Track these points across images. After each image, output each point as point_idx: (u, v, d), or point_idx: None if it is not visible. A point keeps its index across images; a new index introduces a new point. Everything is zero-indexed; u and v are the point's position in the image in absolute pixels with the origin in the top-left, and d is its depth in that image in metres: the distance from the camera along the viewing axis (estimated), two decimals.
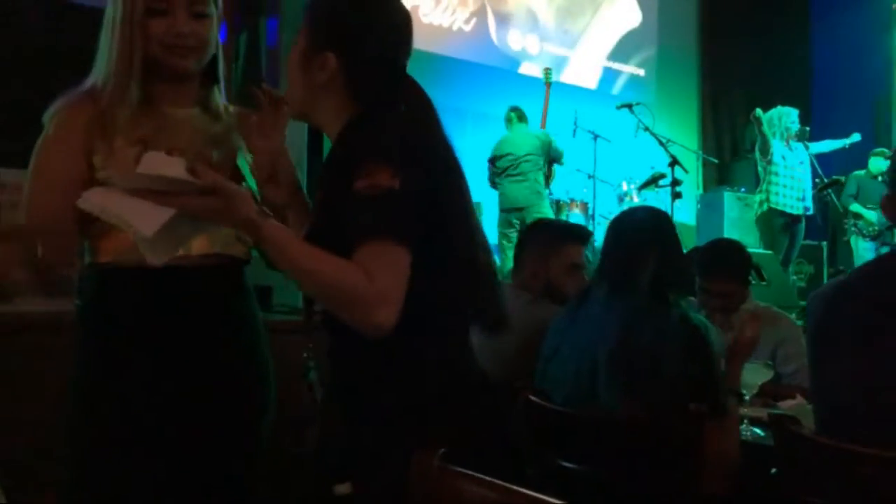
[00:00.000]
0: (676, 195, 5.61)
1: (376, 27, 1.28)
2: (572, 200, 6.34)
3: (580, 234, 2.55)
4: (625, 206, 6.46)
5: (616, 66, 7.72)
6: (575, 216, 6.26)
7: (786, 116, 5.93)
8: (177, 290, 1.46)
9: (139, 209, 1.10)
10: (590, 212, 6.29)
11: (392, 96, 1.27)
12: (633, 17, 7.83)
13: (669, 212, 5.93)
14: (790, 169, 5.84)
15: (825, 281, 6.52)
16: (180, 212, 1.10)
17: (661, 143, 5.97)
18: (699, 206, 7.24)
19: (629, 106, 6.19)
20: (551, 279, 2.36)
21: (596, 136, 6.34)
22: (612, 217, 6.23)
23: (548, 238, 2.45)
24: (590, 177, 6.32)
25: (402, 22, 1.31)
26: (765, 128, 5.77)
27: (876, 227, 6.41)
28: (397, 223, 1.14)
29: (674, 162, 5.70)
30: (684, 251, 2.10)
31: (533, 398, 1.75)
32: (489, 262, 1.32)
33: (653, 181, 6.29)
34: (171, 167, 1.12)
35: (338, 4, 1.30)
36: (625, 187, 6.58)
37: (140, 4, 1.44)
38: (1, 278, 1.52)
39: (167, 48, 1.46)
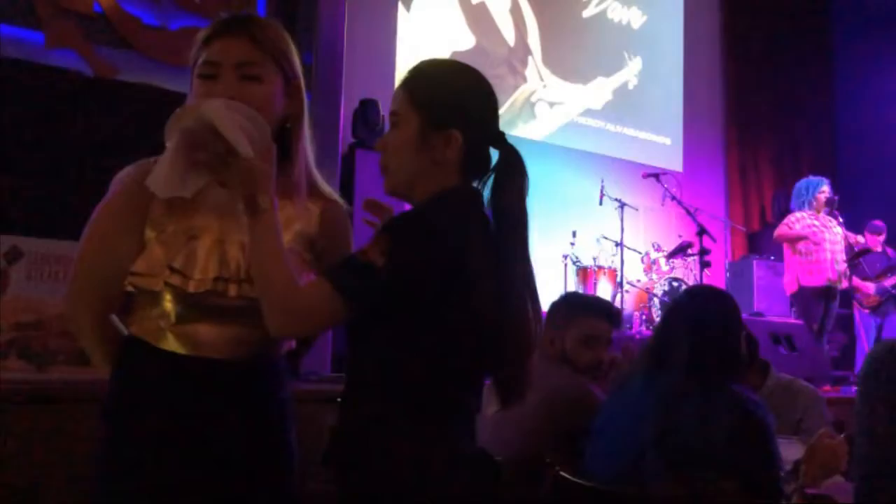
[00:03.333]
0: (705, 264, 5.58)
1: (487, 102, 1.41)
2: (600, 268, 6.32)
3: (601, 308, 2.50)
4: (653, 275, 6.46)
5: (642, 134, 7.79)
6: (603, 284, 6.25)
7: (814, 186, 5.92)
8: (213, 380, 1.39)
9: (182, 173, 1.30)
10: (618, 280, 6.27)
11: (488, 167, 1.39)
12: (659, 88, 7.94)
13: (699, 280, 5.91)
14: (821, 241, 5.79)
15: (857, 352, 6.42)
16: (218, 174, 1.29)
17: (688, 213, 5.97)
18: (728, 274, 7.19)
19: (655, 175, 6.23)
20: (566, 349, 2.36)
21: (622, 204, 6.37)
22: (640, 285, 6.30)
23: (568, 308, 2.46)
24: (617, 245, 6.33)
25: (493, 93, 1.43)
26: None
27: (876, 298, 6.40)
28: (352, 284, 1.24)
29: (702, 231, 5.69)
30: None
31: (563, 474, 1.74)
32: (523, 336, 1.35)
33: (681, 250, 6.28)
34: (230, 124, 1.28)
35: (449, 84, 1.40)
36: (652, 255, 6.57)
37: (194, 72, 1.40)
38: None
39: None
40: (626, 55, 7.79)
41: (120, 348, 1.44)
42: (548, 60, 7.25)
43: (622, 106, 7.65)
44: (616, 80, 7.70)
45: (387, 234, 1.28)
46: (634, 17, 7.85)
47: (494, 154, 1.42)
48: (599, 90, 7.58)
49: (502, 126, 1.43)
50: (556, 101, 7.30)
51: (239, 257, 1.38)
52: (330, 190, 1.54)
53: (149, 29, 4.64)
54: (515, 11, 7.12)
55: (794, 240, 5.82)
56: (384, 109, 5.34)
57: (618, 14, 7.75)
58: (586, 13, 7.54)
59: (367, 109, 5.36)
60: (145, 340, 1.40)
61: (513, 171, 1.37)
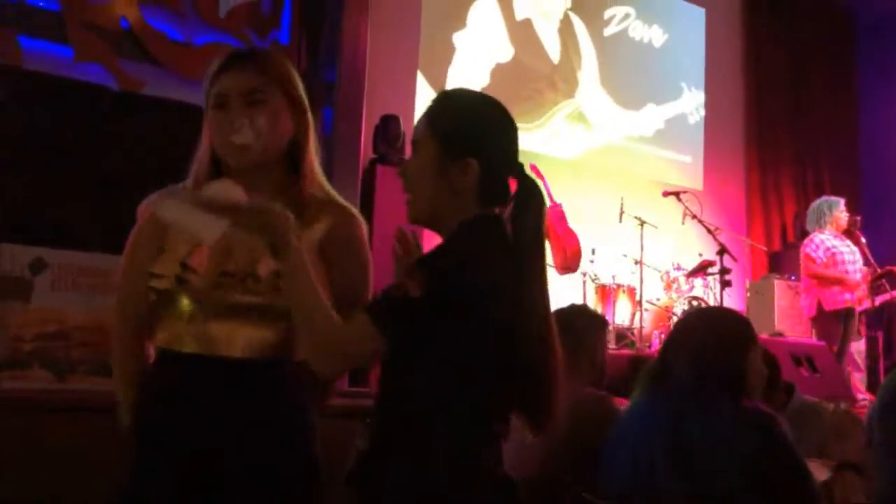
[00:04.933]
0: (725, 283, 5.54)
1: (508, 134, 1.45)
2: (619, 286, 6.29)
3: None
4: (673, 294, 6.41)
5: (663, 152, 7.77)
6: (622, 302, 6.21)
7: (832, 207, 5.82)
8: (221, 379, 1.46)
9: (204, 221, 1.33)
10: (637, 297, 6.24)
11: (507, 195, 1.43)
12: (681, 106, 7.92)
13: (719, 300, 5.86)
14: (841, 264, 5.71)
15: (881, 373, 6.34)
16: (235, 224, 1.32)
17: (709, 231, 5.94)
18: (748, 294, 7.14)
19: (676, 194, 6.20)
20: (603, 367, 2.43)
21: (643, 222, 6.34)
22: (659, 303, 6.26)
23: (601, 327, 2.54)
24: (637, 262, 6.30)
25: (514, 124, 1.47)
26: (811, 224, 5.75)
27: None
28: (391, 319, 1.29)
29: (722, 250, 5.64)
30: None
31: (584, 495, 1.73)
32: (552, 363, 1.39)
33: (701, 269, 6.23)
34: (233, 191, 1.37)
35: (468, 114, 1.44)
36: (672, 274, 6.52)
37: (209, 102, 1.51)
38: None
39: (224, 143, 1.50)
40: (685, 86, 7.85)
41: (145, 368, 1.55)
42: (602, 81, 7.32)
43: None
44: (670, 109, 7.76)
45: (422, 267, 1.33)
46: (656, 36, 7.85)
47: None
48: (650, 117, 7.62)
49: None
50: (598, 122, 7.31)
51: (244, 258, 1.45)
52: (342, 200, 1.61)
53: (174, 44, 4.70)
54: (565, 31, 7.16)
55: (826, 279, 5.72)
56: (405, 125, 5.37)
57: (639, 32, 7.75)
58: (608, 31, 7.55)
59: (387, 125, 5.38)
60: (169, 349, 1.49)
61: (530, 201, 1.41)
